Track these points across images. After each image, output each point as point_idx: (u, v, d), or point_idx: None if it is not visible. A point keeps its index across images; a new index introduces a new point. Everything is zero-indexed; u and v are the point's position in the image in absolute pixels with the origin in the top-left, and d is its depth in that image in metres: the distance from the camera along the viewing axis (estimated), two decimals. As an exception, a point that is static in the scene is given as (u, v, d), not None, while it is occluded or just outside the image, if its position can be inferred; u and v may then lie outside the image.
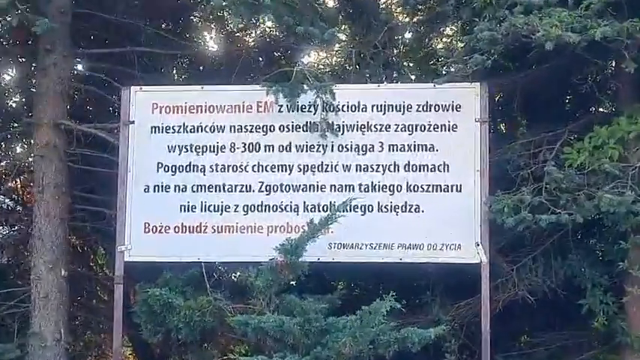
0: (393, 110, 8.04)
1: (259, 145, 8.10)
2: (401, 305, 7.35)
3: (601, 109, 9.06)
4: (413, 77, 9.85)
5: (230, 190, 8.08)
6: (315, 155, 8.05)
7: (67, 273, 8.65)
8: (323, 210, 7.92)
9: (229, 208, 8.06)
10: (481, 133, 7.90)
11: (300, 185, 8.03)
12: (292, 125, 8.10)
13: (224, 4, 8.16)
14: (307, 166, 8.04)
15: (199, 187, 8.11)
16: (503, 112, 9.49)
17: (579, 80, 8.30)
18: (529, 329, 9.30)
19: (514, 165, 8.15)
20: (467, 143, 7.92)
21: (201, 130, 8.17)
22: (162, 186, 8.15)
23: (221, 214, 8.06)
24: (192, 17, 10.50)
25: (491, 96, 8.42)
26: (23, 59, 9.87)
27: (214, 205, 8.07)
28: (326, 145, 8.03)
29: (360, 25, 9.45)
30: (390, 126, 8.03)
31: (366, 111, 8.07)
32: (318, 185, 8.02)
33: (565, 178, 7.46)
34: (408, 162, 7.95)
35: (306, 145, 8.06)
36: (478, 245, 7.77)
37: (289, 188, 8.03)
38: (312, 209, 7.97)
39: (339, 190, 7.98)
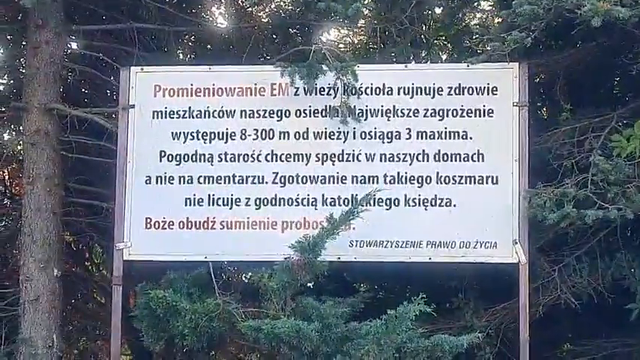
0: (421, 93, 8.01)
1: (273, 131, 8.10)
2: (430, 309, 7.29)
3: (654, 93, 9.04)
4: (444, 57, 9.92)
5: (241, 181, 8.07)
6: (335, 143, 8.03)
7: (60, 273, 8.67)
8: (344, 204, 7.91)
9: (240, 201, 8.05)
10: (520, 118, 7.86)
11: (318, 176, 8.02)
12: (310, 110, 8.09)
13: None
14: (326, 155, 8.02)
15: (206, 179, 8.11)
16: (544, 95, 9.47)
17: (629, 60, 8.29)
18: (572, 336, 9.35)
19: (556, 154, 8.14)
20: (504, 130, 7.89)
21: (209, 116, 8.16)
22: (165, 177, 8.14)
23: (230, 209, 8.06)
24: (199, -10, 10.45)
25: (531, 77, 8.35)
26: (11, 36, 9.87)
27: (223, 199, 8.07)
28: (347, 132, 8.01)
29: (385, -2, 9.45)
30: (418, 111, 8.00)
31: (391, 94, 8.05)
32: (338, 176, 8.00)
33: (613, 168, 7.44)
34: (439, 151, 7.93)
35: (325, 132, 8.05)
36: (516, 243, 7.74)
37: (306, 180, 8.03)
38: (332, 203, 7.95)
39: (362, 181, 7.96)
